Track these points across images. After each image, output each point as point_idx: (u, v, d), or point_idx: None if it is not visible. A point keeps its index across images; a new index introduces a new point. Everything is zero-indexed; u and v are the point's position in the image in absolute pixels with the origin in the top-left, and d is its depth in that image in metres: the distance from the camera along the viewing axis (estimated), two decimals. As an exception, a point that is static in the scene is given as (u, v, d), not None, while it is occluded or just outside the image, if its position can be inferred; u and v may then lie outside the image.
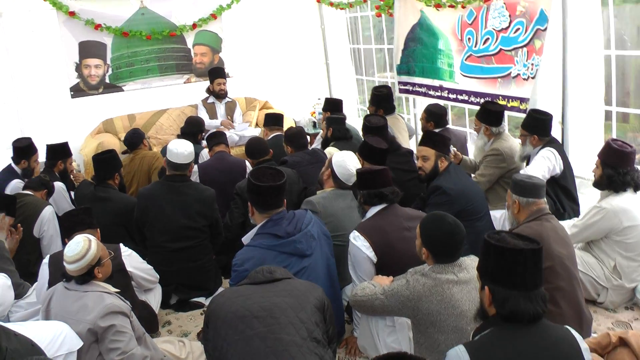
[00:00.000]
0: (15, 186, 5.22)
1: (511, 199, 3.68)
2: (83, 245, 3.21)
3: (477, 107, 5.50)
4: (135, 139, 6.26)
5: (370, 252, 3.49)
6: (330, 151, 5.27)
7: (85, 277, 3.21)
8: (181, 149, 4.55)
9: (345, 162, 4.23)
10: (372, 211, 3.69)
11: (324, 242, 3.65)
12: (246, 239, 3.56)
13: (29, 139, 5.59)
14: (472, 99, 6.10)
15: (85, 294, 3.18)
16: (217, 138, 5.81)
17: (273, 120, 6.46)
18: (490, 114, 5.21)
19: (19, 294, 3.97)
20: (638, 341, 2.82)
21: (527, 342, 2.20)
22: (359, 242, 3.52)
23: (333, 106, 6.40)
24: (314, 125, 8.47)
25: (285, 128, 6.36)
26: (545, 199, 3.67)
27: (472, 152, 5.70)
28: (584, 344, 2.29)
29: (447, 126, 6.07)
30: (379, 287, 3.18)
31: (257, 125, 8.08)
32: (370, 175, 3.74)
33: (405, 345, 3.37)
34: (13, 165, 5.48)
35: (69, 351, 2.95)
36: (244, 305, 2.76)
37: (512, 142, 5.25)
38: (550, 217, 3.60)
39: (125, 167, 5.89)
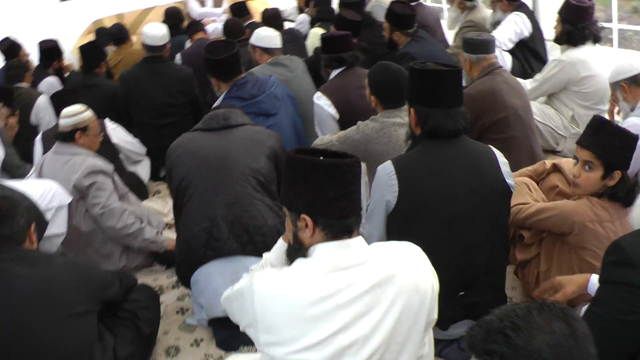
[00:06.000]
0: (50, 83, 5.45)
1: (462, 58, 3.79)
2: (80, 107, 3.55)
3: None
4: (122, 33, 6.21)
5: (332, 110, 3.73)
6: (316, 32, 5.42)
7: (67, 136, 3.49)
8: (155, 32, 4.74)
9: (259, 32, 4.42)
10: (334, 74, 3.90)
11: (289, 102, 3.87)
12: (215, 105, 3.77)
13: (55, 41, 5.79)
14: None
15: (72, 156, 3.45)
16: (194, 27, 6.04)
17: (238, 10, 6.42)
18: None
19: (21, 174, 4.18)
20: (569, 166, 3.07)
21: (446, 152, 2.41)
22: (321, 101, 3.76)
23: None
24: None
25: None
26: (495, 54, 3.79)
27: (447, 24, 5.81)
28: (502, 159, 2.49)
29: (420, 1, 6.07)
30: (335, 136, 3.43)
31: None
32: (332, 40, 3.93)
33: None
34: None
35: (60, 205, 3.15)
36: (199, 154, 2.88)
37: (485, 12, 5.39)
38: (502, 71, 3.72)
39: (114, 65, 5.92)
